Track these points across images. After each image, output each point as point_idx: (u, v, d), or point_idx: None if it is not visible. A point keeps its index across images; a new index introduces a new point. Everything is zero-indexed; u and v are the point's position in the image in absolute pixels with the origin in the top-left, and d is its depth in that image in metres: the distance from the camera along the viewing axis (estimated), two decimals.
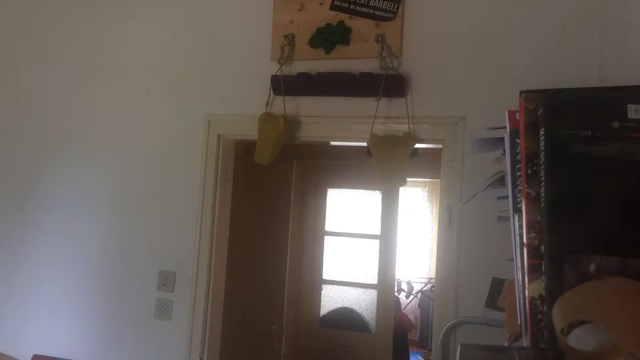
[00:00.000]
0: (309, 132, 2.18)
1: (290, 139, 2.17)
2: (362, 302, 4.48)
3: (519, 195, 0.83)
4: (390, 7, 2.05)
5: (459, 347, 0.75)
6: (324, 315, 4.49)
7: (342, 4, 2.11)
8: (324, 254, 4.47)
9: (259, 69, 2.21)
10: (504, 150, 0.95)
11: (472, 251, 1.92)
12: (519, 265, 0.82)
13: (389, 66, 2.00)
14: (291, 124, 2.14)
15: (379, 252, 4.35)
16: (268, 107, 2.17)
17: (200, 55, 2.36)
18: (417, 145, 2.04)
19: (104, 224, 2.45)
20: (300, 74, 2.12)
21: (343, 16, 2.10)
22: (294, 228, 4.12)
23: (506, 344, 0.94)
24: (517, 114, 0.85)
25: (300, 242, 4.35)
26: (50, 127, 2.58)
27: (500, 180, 1.16)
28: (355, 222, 4.51)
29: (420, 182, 7.64)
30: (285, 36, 2.15)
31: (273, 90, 2.17)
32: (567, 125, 0.75)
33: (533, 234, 0.76)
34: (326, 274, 4.50)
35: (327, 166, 4.33)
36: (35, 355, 2.38)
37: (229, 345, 2.49)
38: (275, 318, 3.51)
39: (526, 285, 0.77)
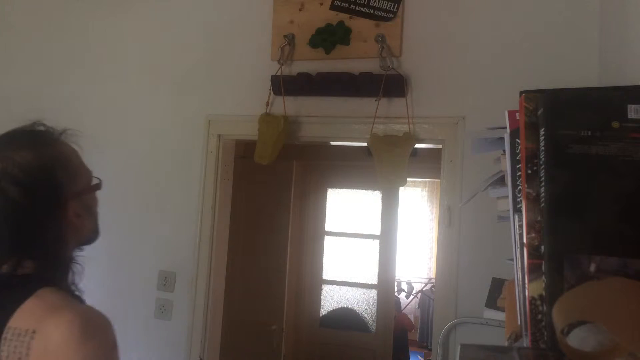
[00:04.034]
0: (309, 132, 2.18)
1: (290, 139, 2.17)
2: (362, 302, 4.48)
3: (519, 195, 0.83)
4: (390, 7, 2.05)
5: (459, 347, 0.75)
6: (324, 315, 4.48)
7: (342, 4, 2.11)
8: (324, 254, 4.47)
9: (259, 69, 2.21)
10: (504, 150, 0.95)
11: (472, 251, 1.92)
12: (519, 265, 0.82)
13: (388, 66, 2.00)
14: (291, 124, 2.14)
15: (379, 252, 4.35)
16: (268, 107, 2.17)
17: (201, 55, 2.36)
18: (417, 145, 2.04)
19: (104, 223, 2.43)
20: (300, 74, 2.12)
21: (343, 16, 2.10)
22: (294, 228, 4.11)
23: (506, 344, 0.94)
24: (517, 114, 0.85)
25: (300, 242, 4.35)
26: None
27: (500, 180, 1.16)
28: (355, 222, 4.51)
29: (420, 182, 7.63)
30: (285, 36, 2.15)
31: (273, 90, 2.17)
32: (567, 125, 0.75)
33: (533, 234, 0.76)
34: (326, 274, 4.50)
35: (327, 166, 4.33)
36: None
37: (229, 345, 2.49)
38: (275, 318, 3.50)
39: (526, 285, 0.77)
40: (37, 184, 0.98)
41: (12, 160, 0.97)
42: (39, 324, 0.89)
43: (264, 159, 2.11)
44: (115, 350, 0.96)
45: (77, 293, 1.04)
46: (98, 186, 1.15)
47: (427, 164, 2.86)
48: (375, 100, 2.01)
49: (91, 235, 1.15)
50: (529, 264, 0.76)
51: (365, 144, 2.05)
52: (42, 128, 1.11)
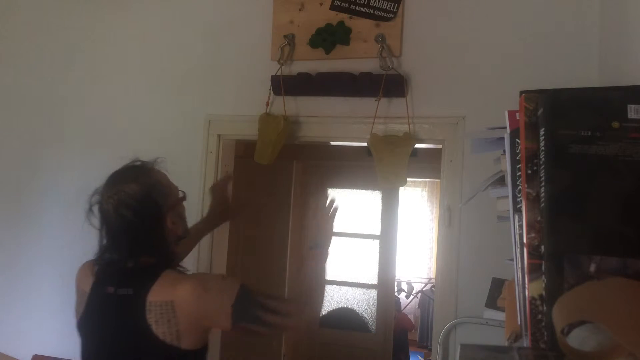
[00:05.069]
0: (309, 132, 2.18)
1: (290, 139, 2.16)
2: (362, 302, 4.48)
3: (519, 195, 0.83)
4: (390, 7, 2.05)
5: (459, 347, 0.75)
6: (324, 315, 4.48)
7: (342, 4, 2.11)
8: None
9: (259, 69, 2.21)
10: (504, 150, 0.95)
11: (472, 251, 1.92)
12: (519, 265, 0.82)
13: (388, 66, 2.00)
14: (291, 124, 2.14)
15: (379, 252, 4.35)
16: (268, 107, 2.17)
17: (201, 55, 2.36)
18: (417, 145, 2.04)
19: None
20: (300, 74, 2.12)
21: (343, 16, 2.10)
22: (294, 228, 4.11)
23: (506, 344, 0.94)
24: (517, 114, 0.85)
25: (301, 242, 4.35)
26: (49, 127, 2.58)
27: (500, 180, 1.17)
28: (355, 222, 4.51)
29: (420, 182, 7.63)
30: (285, 36, 2.15)
31: (273, 90, 2.17)
32: (567, 125, 0.75)
33: (533, 234, 0.76)
34: (326, 274, 4.50)
35: (327, 166, 4.33)
36: (35, 355, 2.38)
37: (228, 345, 2.49)
38: None
39: (526, 285, 0.77)
40: (144, 206, 1.37)
41: (124, 192, 1.38)
42: (172, 295, 1.32)
43: (264, 159, 2.11)
44: (223, 292, 1.37)
45: (183, 270, 1.44)
46: (184, 198, 1.53)
47: (427, 164, 2.86)
48: (375, 100, 2.01)
49: (183, 234, 1.50)
50: (529, 264, 0.76)
51: (365, 144, 2.05)
52: (139, 163, 1.49)
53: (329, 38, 2.10)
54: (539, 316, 0.74)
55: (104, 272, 1.44)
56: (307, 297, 1.58)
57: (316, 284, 1.64)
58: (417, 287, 7.21)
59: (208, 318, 1.35)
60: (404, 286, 7.16)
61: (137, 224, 1.37)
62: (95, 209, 1.44)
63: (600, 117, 0.74)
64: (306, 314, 1.55)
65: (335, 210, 1.76)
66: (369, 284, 4.44)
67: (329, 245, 1.72)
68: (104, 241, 1.43)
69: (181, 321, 1.31)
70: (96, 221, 1.44)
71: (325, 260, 1.72)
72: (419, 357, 6.42)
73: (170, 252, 1.43)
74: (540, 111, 0.78)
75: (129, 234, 1.38)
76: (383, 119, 2.04)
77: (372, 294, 4.43)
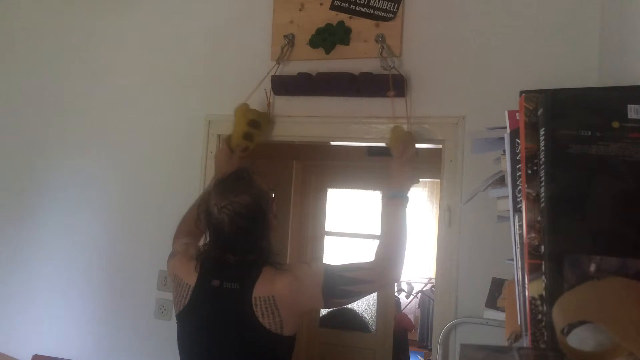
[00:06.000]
0: (309, 132, 2.18)
1: (290, 139, 2.15)
2: (362, 302, 4.48)
3: (519, 195, 0.83)
4: (390, 7, 2.05)
5: (459, 347, 0.75)
6: (324, 315, 4.48)
7: (342, 4, 2.11)
8: (324, 254, 4.47)
9: (259, 69, 2.21)
10: (504, 150, 0.95)
11: (472, 251, 1.92)
12: (519, 265, 0.82)
13: (389, 66, 2.00)
14: (291, 124, 2.14)
15: None
16: (269, 108, 2.17)
17: (201, 55, 2.36)
18: (417, 145, 2.04)
19: (104, 224, 2.45)
20: (300, 74, 2.12)
21: (343, 16, 2.10)
22: (294, 228, 4.11)
23: (506, 344, 0.94)
24: (517, 114, 0.85)
25: (301, 242, 4.35)
26: (49, 127, 2.58)
27: (500, 180, 1.17)
28: (355, 222, 4.51)
29: (420, 182, 7.62)
30: (285, 36, 2.15)
31: (273, 90, 2.17)
32: (567, 125, 0.75)
33: (533, 234, 0.76)
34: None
35: (327, 166, 4.33)
36: (35, 355, 2.38)
37: None
38: None
39: (526, 285, 0.77)
40: (255, 215, 1.54)
41: (237, 203, 1.52)
42: (273, 290, 1.50)
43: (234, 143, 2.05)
44: (312, 279, 1.55)
45: (278, 266, 1.57)
46: (274, 198, 1.67)
47: (427, 164, 2.86)
48: (387, 95, 1.95)
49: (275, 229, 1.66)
50: (529, 264, 0.76)
51: (365, 144, 2.05)
52: (242, 172, 1.62)
53: (329, 38, 2.10)
54: (539, 316, 0.74)
55: (207, 267, 1.60)
56: (389, 247, 1.70)
57: (398, 232, 1.73)
58: (417, 287, 7.21)
59: (304, 304, 1.58)
60: (404, 286, 7.16)
61: (249, 230, 1.54)
62: (203, 216, 1.59)
63: (600, 117, 0.74)
64: (388, 271, 1.68)
65: (414, 152, 1.85)
66: None
67: (407, 192, 1.78)
68: (209, 240, 1.62)
69: (282, 312, 1.50)
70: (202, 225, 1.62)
71: (405, 208, 1.78)
72: (419, 357, 6.41)
73: (268, 250, 1.59)
74: (540, 111, 0.78)
75: (240, 238, 1.54)
76: (384, 118, 2.04)
77: (372, 294, 4.42)
